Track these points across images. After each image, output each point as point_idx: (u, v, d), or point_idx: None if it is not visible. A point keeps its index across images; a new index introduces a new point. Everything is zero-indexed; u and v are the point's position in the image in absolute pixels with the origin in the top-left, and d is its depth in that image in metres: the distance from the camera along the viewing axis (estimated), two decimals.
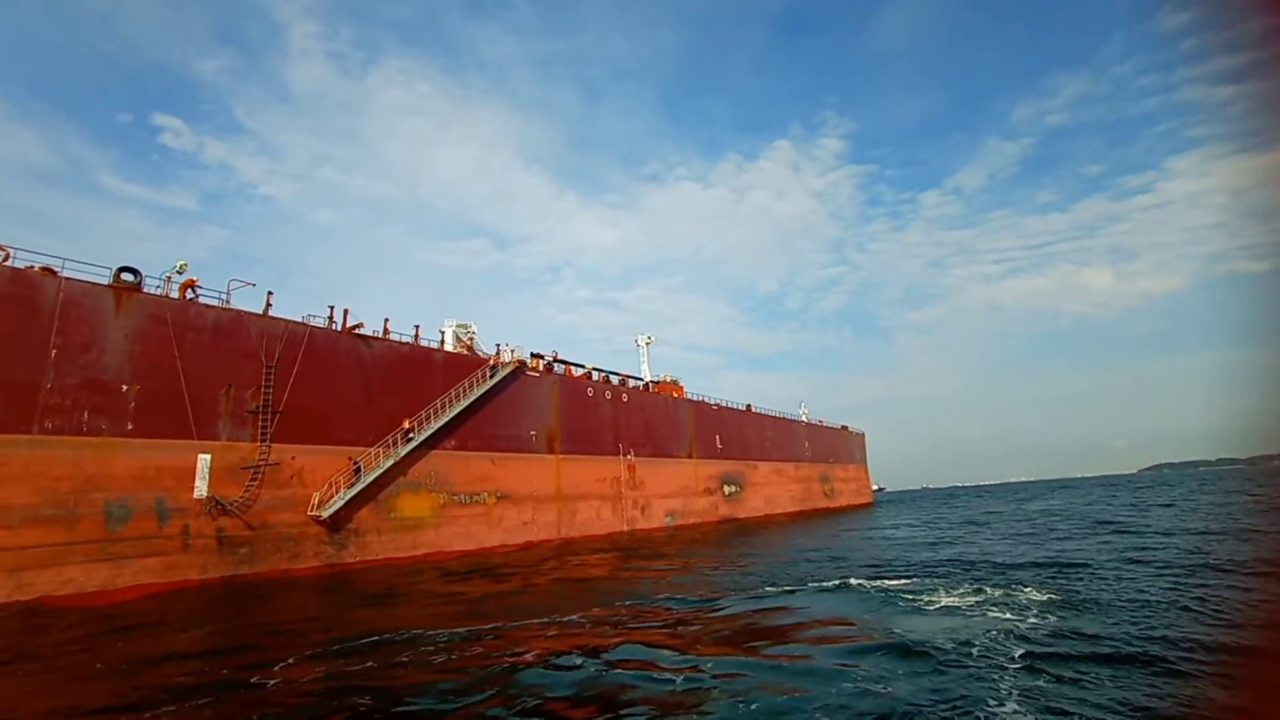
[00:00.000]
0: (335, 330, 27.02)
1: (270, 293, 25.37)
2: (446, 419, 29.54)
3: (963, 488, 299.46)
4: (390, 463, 26.61)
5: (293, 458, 24.48)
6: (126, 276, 21.97)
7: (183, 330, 22.51)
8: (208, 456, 22.29)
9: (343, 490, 24.93)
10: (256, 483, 23.18)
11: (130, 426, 20.96)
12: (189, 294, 23.29)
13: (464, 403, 30.60)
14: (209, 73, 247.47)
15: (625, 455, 42.31)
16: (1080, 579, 15.24)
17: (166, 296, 22.63)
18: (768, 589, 16.14)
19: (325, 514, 24.16)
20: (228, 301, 24.16)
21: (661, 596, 15.90)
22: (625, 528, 40.58)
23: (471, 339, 35.58)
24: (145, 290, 22.18)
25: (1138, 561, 17.38)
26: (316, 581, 22.91)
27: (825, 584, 16.23)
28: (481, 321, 36.38)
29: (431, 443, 29.07)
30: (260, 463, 23.41)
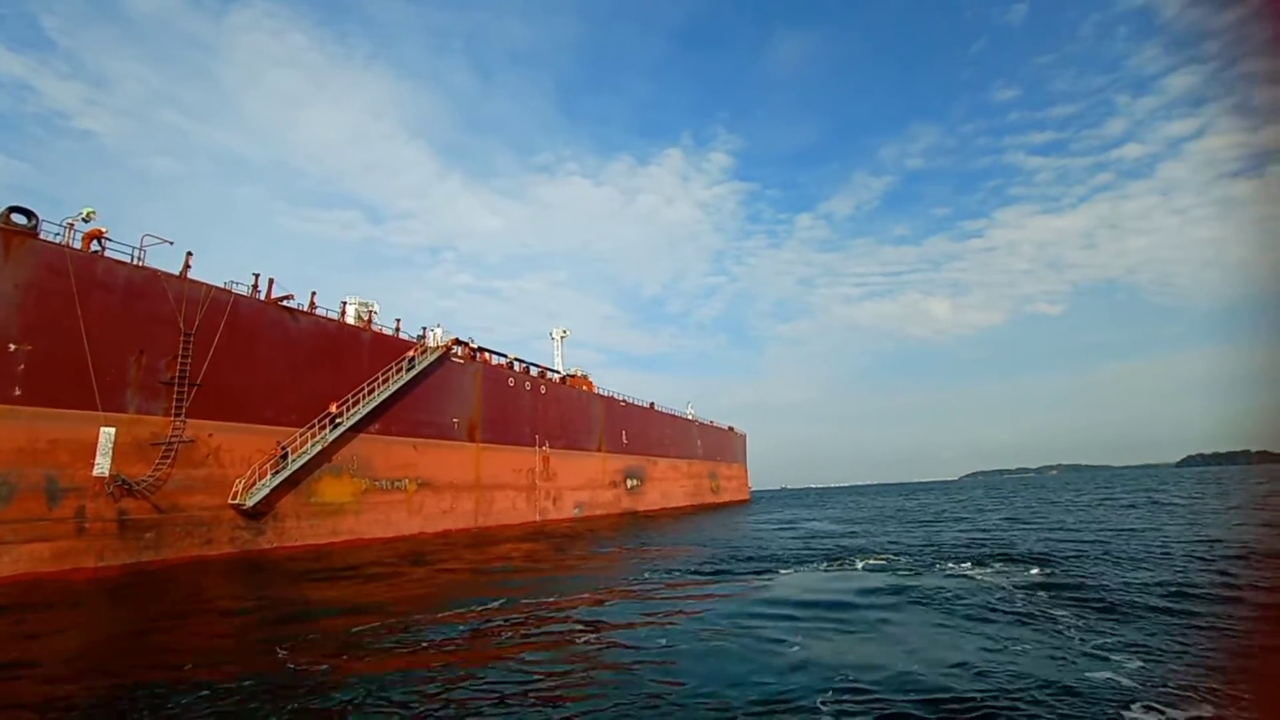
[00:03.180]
0: (260, 300, 25.03)
1: (190, 253, 23.07)
2: (375, 403, 28.38)
3: (815, 489, 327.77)
4: (318, 449, 25.18)
5: (209, 435, 22.47)
6: (17, 219, 19.03)
7: (88, 287, 19.91)
8: (112, 430, 19.93)
9: (268, 476, 23.29)
10: (168, 461, 21.05)
11: (18, 392, 18.28)
12: (94, 246, 20.62)
13: (393, 387, 29.53)
14: None
15: (541, 446, 42.62)
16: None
17: (68, 246, 19.89)
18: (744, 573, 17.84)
19: (249, 502, 22.47)
20: (142, 259, 21.63)
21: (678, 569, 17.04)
22: (538, 518, 40.93)
23: (371, 318, 33.97)
24: (42, 237, 19.38)
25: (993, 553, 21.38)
26: (228, 568, 21.27)
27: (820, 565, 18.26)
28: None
29: (356, 426, 27.79)
30: (173, 439, 21.29)
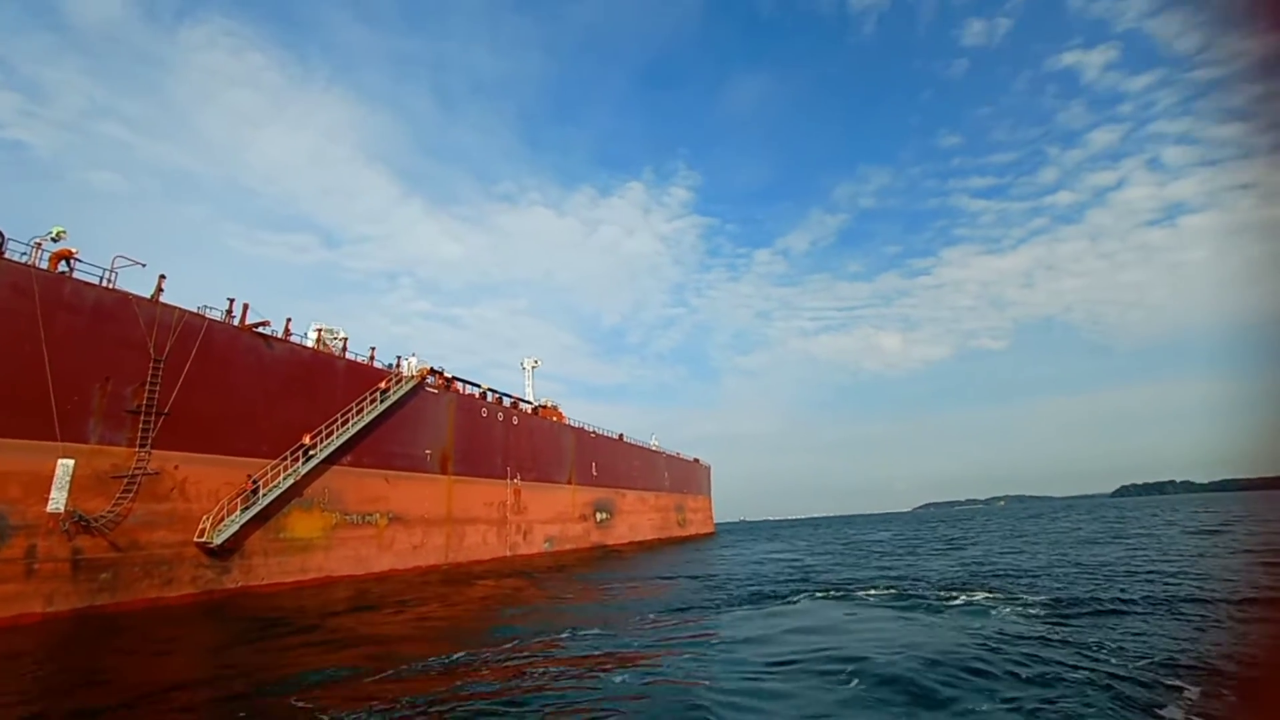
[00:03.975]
0: (234, 326, 24.15)
1: (163, 276, 22.18)
2: (350, 434, 27.48)
3: (773, 521, 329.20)
4: (290, 481, 24.15)
5: (175, 467, 21.30)
6: None
7: (53, 309, 18.87)
8: (70, 462, 18.69)
9: (238, 512, 22.14)
10: (130, 495, 19.81)
11: None
12: (62, 266, 19.64)
13: (368, 417, 28.69)
14: None
15: (512, 479, 41.83)
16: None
17: (34, 266, 18.88)
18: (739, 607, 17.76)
19: (217, 540, 21.24)
20: (112, 281, 20.68)
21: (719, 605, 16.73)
22: (508, 553, 39.90)
23: (346, 346, 33.04)
24: (6, 256, 18.36)
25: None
26: (187, 613, 19.81)
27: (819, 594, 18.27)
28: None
29: (329, 458, 26.79)
30: (137, 471, 20.08)
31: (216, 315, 23.66)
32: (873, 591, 18.16)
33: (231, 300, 24.36)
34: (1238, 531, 35.73)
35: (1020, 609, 14.13)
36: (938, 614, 14.12)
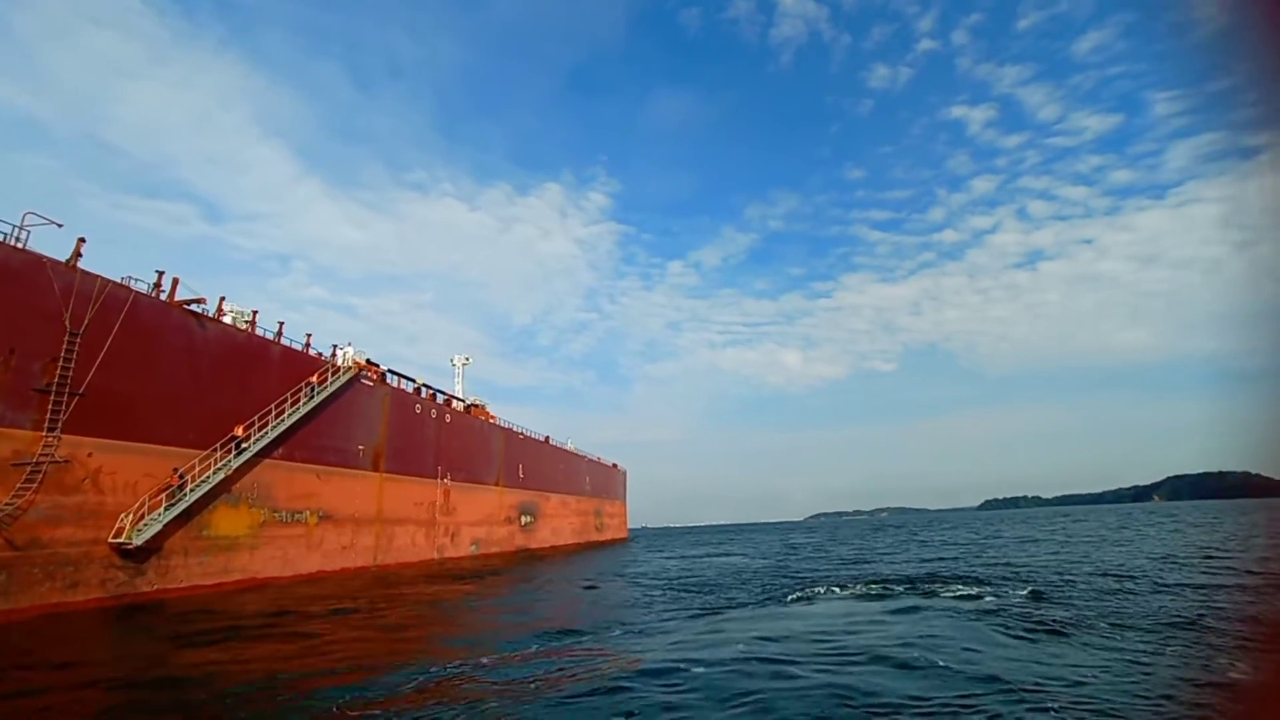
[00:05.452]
0: (163, 301, 21.82)
1: (81, 239, 19.70)
2: (284, 426, 25.52)
3: (675, 528, 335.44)
4: (220, 476, 22.08)
5: (89, 455, 18.90)
6: None
7: None
8: None
9: (162, 509, 19.95)
10: (33, 485, 17.35)
11: None
12: None
13: (304, 408, 26.78)
14: None
15: (443, 479, 40.31)
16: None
17: None
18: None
19: (138, 540, 19.02)
20: (22, 241, 18.11)
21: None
22: (436, 555, 38.37)
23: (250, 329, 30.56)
24: None
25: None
26: (90, 624, 17.35)
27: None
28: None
29: (261, 450, 24.72)
30: (42, 459, 17.63)
31: (142, 288, 21.29)
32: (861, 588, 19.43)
33: (160, 273, 22.00)
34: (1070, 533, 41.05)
35: (1021, 598, 15.74)
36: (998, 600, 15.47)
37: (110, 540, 18.89)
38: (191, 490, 20.98)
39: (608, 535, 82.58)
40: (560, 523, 63.65)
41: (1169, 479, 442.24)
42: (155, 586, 20.35)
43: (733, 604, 17.45)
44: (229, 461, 22.61)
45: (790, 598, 18.06)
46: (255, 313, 26.43)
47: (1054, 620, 12.65)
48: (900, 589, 18.49)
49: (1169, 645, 10.41)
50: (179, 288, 22.53)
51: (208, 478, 21.68)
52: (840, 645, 11.08)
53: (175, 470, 20.86)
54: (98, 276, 19.62)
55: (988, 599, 16.01)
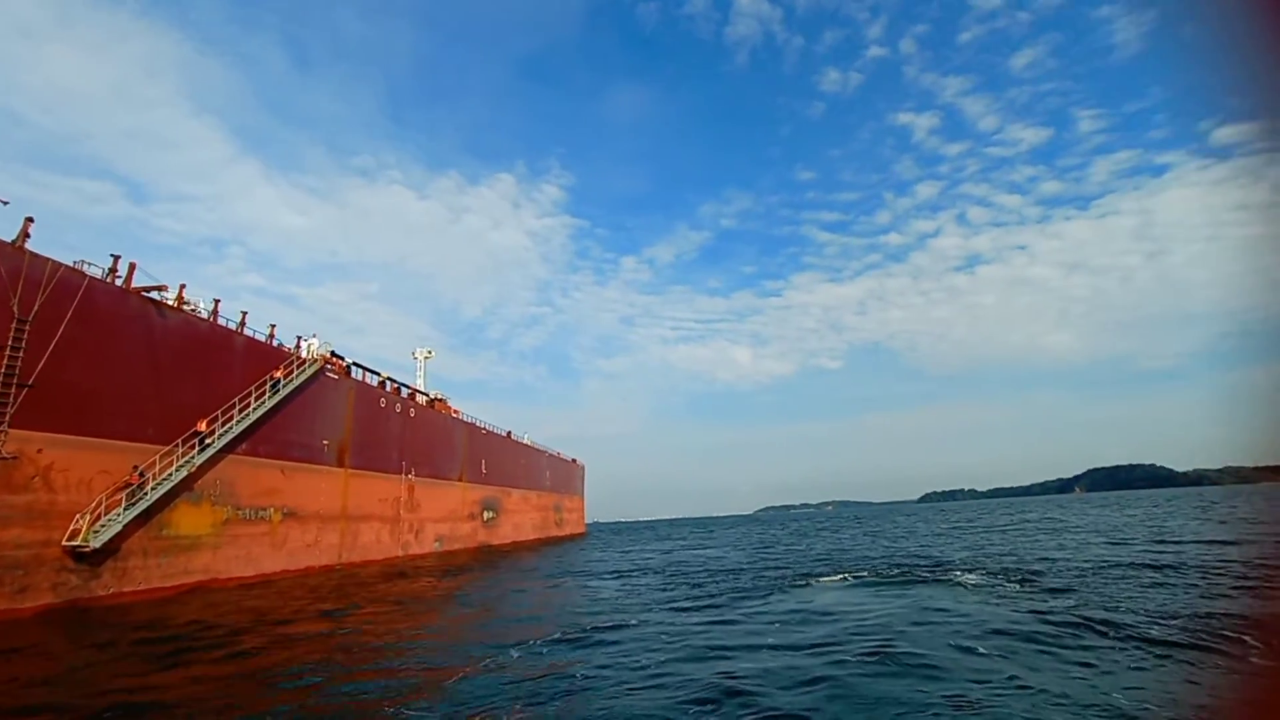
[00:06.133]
0: (120, 288, 20.48)
1: (30, 219, 18.29)
2: (250, 421, 24.39)
3: (627, 522, 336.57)
4: (183, 473, 20.93)
5: (39, 450, 17.61)
6: None
7: None
8: None
9: (121, 508, 18.77)
10: None
11: None
12: None
13: (270, 402, 25.65)
14: None
15: (407, 475, 39.35)
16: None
17: None
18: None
19: (95, 542, 17.84)
20: None
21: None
22: (400, 552, 37.47)
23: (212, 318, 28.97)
24: None
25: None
26: (37, 635, 15.82)
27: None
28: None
29: (224, 446, 23.57)
30: None
31: (96, 273, 19.92)
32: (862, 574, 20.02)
33: (116, 257, 20.61)
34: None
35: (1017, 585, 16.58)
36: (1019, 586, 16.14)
37: (65, 543, 17.67)
38: (153, 488, 19.82)
39: (566, 530, 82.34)
40: (521, 518, 63.09)
41: (1089, 471, 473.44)
42: (111, 590, 19.17)
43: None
44: (192, 458, 21.48)
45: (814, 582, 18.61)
46: (218, 301, 25.12)
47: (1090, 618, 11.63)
48: (923, 572, 19.34)
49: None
50: (136, 273, 21.19)
51: (170, 475, 20.52)
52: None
53: (135, 468, 19.67)
54: (48, 260, 18.26)
55: (973, 579, 16.99)
